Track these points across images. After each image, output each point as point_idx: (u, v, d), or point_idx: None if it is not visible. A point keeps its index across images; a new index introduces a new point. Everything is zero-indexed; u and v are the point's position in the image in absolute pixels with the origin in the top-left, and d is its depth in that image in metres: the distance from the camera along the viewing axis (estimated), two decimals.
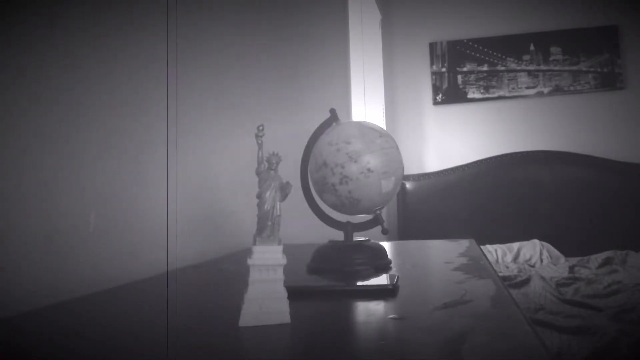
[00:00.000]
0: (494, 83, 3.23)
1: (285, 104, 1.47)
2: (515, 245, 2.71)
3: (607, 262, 2.40)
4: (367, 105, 2.64)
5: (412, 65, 3.37)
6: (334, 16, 2.18)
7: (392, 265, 0.76)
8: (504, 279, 2.10)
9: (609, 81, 3.05)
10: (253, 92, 1.23)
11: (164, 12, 0.84)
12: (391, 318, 0.44)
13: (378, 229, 0.74)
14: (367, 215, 0.76)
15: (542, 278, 2.09)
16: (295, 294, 0.45)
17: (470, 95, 3.26)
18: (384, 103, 3.13)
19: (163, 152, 0.83)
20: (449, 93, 3.30)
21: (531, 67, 3.19)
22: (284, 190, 0.44)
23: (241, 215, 1.08)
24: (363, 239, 0.78)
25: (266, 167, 0.45)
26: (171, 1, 0.87)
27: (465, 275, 0.64)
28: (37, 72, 0.57)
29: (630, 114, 2.99)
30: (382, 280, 0.61)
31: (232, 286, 0.62)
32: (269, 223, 0.43)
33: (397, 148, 0.77)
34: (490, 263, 0.79)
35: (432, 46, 3.33)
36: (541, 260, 2.59)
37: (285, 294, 0.43)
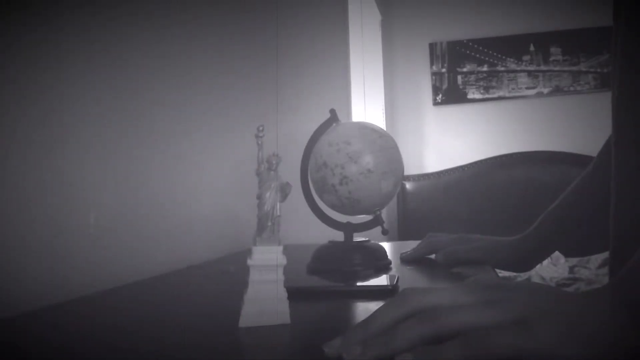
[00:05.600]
0: (494, 83, 3.24)
1: (285, 104, 1.47)
2: None
3: (607, 262, 2.40)
4: (367, 105, 2.64)
5: (412, 65, 3.37)
6: (334, 16, 2.18)
7: (392, 265, 0.76)
8: (504, 279, 2.10)
9: (609, 82, 3.05)
10: (252, 92, 1.23)
11: (167, 11, 0.84)
12: None
13: (378, 229, 0.74)
14: (367, 216, 0.76)
15: (542, 278, 2.09)
16: (295, 294, 0.45)
17: (470, 96, 3.27)
18: (384, 103, 3.13)
19: (164, 152, 0.83)
20: (449, 93, 3.30)
21: (531, 68, 3.19)
22: (284, 190, 0.44)
23: (241, 216, 1.08)
24: (363, 239, 0.78)
25: (266, 168, 0.45)
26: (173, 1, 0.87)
27: (465, 276, 0.64)
28: (37, 72, 0.58)
29: None
30: (382, 280, 0.62)
31: (232, 286, 0.62)
32: (269, 223, 0.43)
33: (397, 148, 0.77)
34: None
35: (432, 46, 3.33)
36: None
37: (285, 294, 0.43)
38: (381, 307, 0.34)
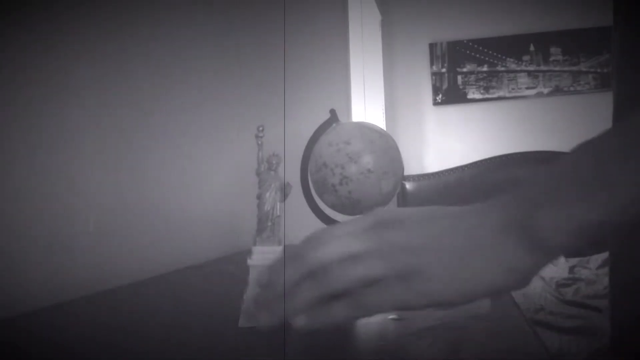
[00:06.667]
0: (494, 83, 3.23)
1: (285, 104, 1.47)
2: None
3: (607, 262, 2.40)
4: (367, 105, 2.64)
5: (412, 65, 3.37)
6: (334, 16, 2.18)
7: None
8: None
9: (609, 82, 3.05)
10: (252, 92, 1.23)
11: (167, 10, 0.84)
12: (391, 318, 0.44)
13: None
14: None
15: (542, 278, 2.09)
16: None
17: (470, 96, 3.26)
18: (384, 103, 3.13)
19: (164, 152, 0.83)
20: (449, 93, 3.30)
21: (531, 68, 3.19)
22: (284, 190, 0.45)
23: (241, 216, 1.08)
24: None
25: (266, 168, 0.45)
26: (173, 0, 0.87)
27: None
28: (37, 74, 0.57)
29: None
30: None
31: (232, 286, 0.62)
32: (269, 223, 0.44)
33: (397, 148, 0.77)
34: None
35: (432, 47, 3.33)
36: None
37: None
38: (282, 268, 0.35)
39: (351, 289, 0.33)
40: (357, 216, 0.37)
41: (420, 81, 3.34)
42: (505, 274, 0.31)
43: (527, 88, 3.17)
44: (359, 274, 0.33)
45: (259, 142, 0.45)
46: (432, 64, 3.29)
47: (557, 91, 3.12)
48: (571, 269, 2.34)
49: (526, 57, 3.18)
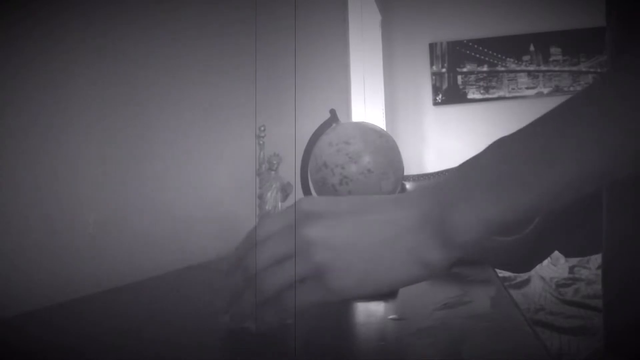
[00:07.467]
0: (493, 83, 3.24)
1: (285, 104, 1.47)
2: None
3: None
4: (367, 105, 2.64)
5: (412, 65, 3.37)
6: (334, 17, 2.18)
7: None
8: (504, 279, 2.10)
9: None
10: (252, 93, 1.23)
11: (165, 8, 0.84)
12: (391, 318, 0.44)
13: None
14: None
15: (542, 278, 2.09)
16: None
17: (470, 96, 3.27)
18: (384, 103, 3.13)
19: (163, 151, 0.83)
20: (449, 93, 3.30)
21: (531, 68, 3.20)
22: (284, 190, 0.45)
23: (242, 216, 1.08)
24: None
25: (267, 168, 0.45)
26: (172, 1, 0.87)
27: (465, 276, 0.64)
28: (36, 73, 0.58)
29: None
30: None
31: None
32: None
33: (397, 148, 0.77)
34: None
35: (432, 47, 3.33)
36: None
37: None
38: (232, 273, 0.37)
39: (280, 292, 0.34)
40: (285, 209, 0.37)
41: (420, 81, 3.35)
42: (418, 266, 0.33)
43: (527, 88, 3.17)
44: (284, 279, 0.34)
45: (260, 142, 0.45)
46: (432, 64, 3.30)
47: (557, 91, 3.13)
48: (571, 269, 2.34)
49: (526, 57, 3.18)
